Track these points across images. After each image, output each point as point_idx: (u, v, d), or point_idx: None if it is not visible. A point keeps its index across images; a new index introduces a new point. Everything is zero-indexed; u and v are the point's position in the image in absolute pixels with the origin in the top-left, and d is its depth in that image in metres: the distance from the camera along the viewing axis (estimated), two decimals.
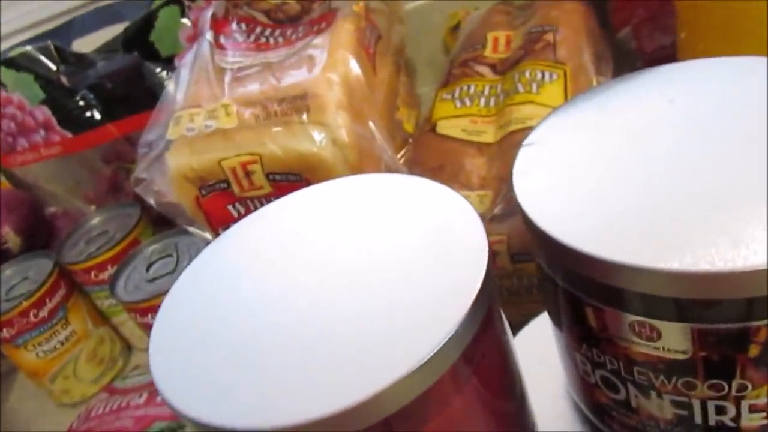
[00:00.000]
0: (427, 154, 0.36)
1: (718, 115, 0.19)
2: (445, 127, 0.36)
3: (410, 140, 0.39)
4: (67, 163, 0.46)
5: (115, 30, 0.47)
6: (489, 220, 0.31)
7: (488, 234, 0.31)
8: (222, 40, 0.37)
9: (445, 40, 0.50)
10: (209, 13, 0.37)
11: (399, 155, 0.37)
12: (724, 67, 0.21)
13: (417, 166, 0.36)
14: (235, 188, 0.32)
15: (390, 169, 0.33)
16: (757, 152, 0.17)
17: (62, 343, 0.42)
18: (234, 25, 0.38)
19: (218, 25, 0.37)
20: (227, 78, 0.33)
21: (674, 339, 0.16)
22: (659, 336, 0.16)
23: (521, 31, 0.40)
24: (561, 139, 0.20)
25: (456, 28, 0.49)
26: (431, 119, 0.37)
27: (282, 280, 0.19)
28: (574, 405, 0.23)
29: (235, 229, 0.22)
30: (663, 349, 0.16)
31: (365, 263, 0.19)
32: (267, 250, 0.21)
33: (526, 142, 0.21)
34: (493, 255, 0.32)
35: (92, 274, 0.42)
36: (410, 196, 0.20)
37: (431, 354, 0.15)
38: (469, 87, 0.38)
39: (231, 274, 0.20)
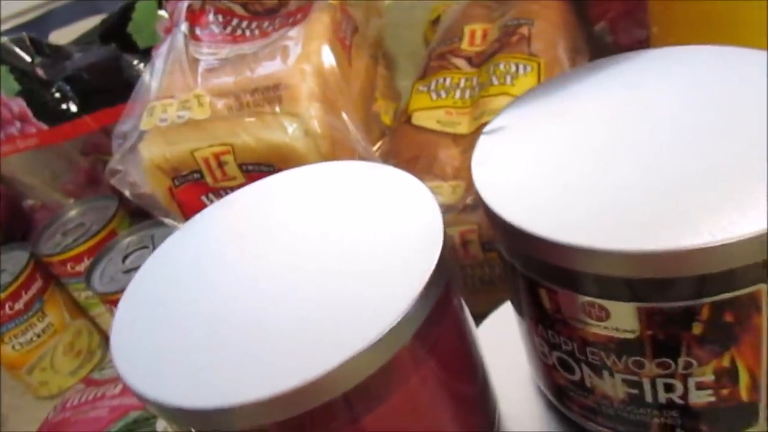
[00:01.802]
0: (403, 146, 0.36)
1: (682, 102, 0.19)
2: (420, 119, 0.36)
3: (388, 132, 0.39)
4: (44, 155, 0.46)
5: (92, 22, 0.47)
6: (461, 210, 0.32)
7: (460, 224, 0.32)
8: (198, 31, 0.37)
9: (425, 34, 0.51)
10: (185, 5, 0.37)
11: (376, 147, 0.38)
12: (692, 55, 0.21)
13: (392, 157, 0.36)
14: (209, 179, 0.32)
15: (364, 160, 0.33)
16: (717, 138, 0.17)
17: (39, 336, 0.41)
18: (210, 17, 0.38)
19: (194, 16, 0.37)
20: (201, 69, 0.33)
21: (622, 319, 0.16)
22: (608, 316, 0.17)
23: (498, 25, 0.40)
24: (521, 127, 0.21)
25: (436, 21, 0.49)
26: (407, 111, 0.37)
27: (243, 264, 0.19)
28: (537, 389, 0.24)
29: (201, 215, 0.22)
30: (612, 328, 0.17)
31: (325, 247, 0.19)
32: (231, 236, 0.21)
33: (486, 129, 0.21)
34: (465, 244, 0.32)
35: (69, 266, 0.42)
36: (371, 183, 0.21)
37: (384, 333, 0.16)
38: (445, 79, 0.38)
39: (195, 260, 0.21)
